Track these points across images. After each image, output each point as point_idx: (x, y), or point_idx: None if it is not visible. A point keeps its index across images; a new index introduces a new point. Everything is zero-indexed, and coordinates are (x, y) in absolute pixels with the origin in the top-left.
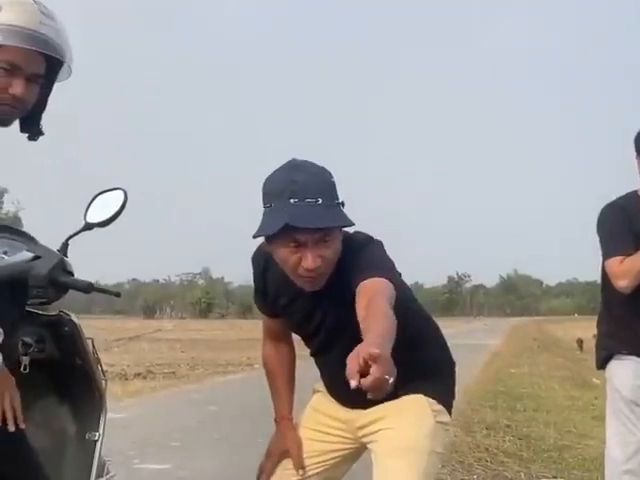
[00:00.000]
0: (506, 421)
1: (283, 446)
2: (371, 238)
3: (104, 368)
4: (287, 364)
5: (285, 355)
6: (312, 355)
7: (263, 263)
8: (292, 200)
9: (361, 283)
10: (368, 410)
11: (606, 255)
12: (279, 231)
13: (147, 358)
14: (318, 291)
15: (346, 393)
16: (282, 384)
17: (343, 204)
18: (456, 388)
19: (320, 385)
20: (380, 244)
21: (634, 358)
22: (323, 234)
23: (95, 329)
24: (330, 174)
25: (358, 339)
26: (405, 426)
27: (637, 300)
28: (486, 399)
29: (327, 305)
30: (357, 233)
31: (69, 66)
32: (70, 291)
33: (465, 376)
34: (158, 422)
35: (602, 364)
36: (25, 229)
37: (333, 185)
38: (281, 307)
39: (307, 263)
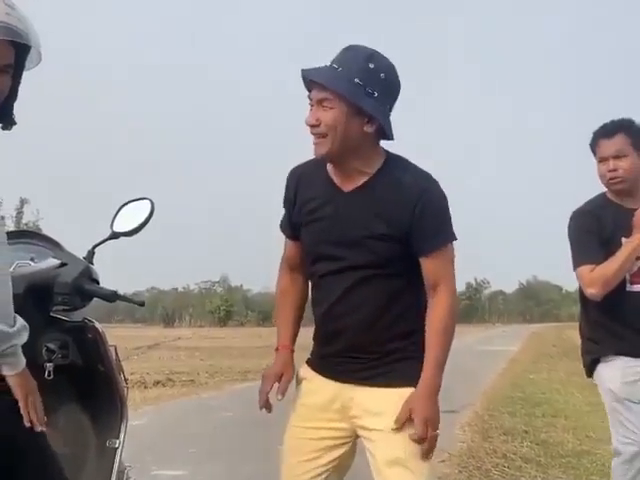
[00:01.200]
0: (524, 427)
1: (279, 371)
2: (428, 179)
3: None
4: (299, 295)
5: (299, 286)
6: (316, 281)
7: (298, 176)
8: (327, 64)
9: (430, 257)
10: (360, 392)
11: (576, 263)
12: (307, 88)
13: (166, 366)
14: (350, 195)
15: (339, 332)
16: (290, 313)
17: (369, 93)
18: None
19: (303, 369)
20: (440, 193)
21: (620, 357)
22: (322, 96)
23: (115, 338)
24: (371, 60)
25: (373, 266)
26: (402, 430)
27: (611, 303)
28: (504, 405)
29: (356, 211)
30: (411, 163)
31: (38, 52)
32: (93, 299)
33: (483, 382)
34: (175, 429)
35: (590, 369)
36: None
37: (366, 68)
38: (308, 213)
39: (307, 118)
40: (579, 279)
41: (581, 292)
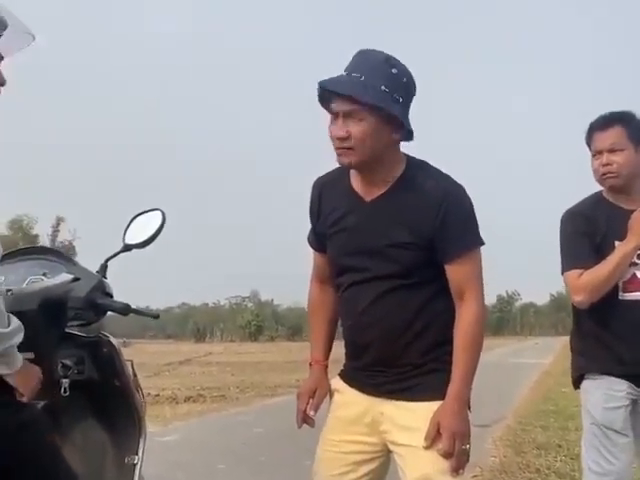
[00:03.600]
0: (558, 440)
1: (313, 387)
2: (450, 182)
3: (155, 392)
4: (330, 308)
5: (329, 299)
6: (343, 293)
7: (320, 187)
8: (343, 72)
9: (454, 263)
10: (390, 407)
11: (564, 268)
12: (323, 99)
13: (197, 382)
14: (372, 204)
15: (366, 345)
16: (321, 327)
17: (396, 99)
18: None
19: (335, 381)
20: (464, 196)
21: (605, 377)
22: (350, 108)
23: (146, 353)
24: (393, 65)
25: (398, 275)
26: (431, 446)
27: (602, 312)
28: (537, 418)
29: (378, 220)
30: (433, 167)
31: (29, 34)
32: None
33: (515, 395)
34: (205, 445)
35: (576, 385)
36: (79, 257)
37: (389, 74)
38: (332, 224)
39: (334, 130)
40: (566, 285)
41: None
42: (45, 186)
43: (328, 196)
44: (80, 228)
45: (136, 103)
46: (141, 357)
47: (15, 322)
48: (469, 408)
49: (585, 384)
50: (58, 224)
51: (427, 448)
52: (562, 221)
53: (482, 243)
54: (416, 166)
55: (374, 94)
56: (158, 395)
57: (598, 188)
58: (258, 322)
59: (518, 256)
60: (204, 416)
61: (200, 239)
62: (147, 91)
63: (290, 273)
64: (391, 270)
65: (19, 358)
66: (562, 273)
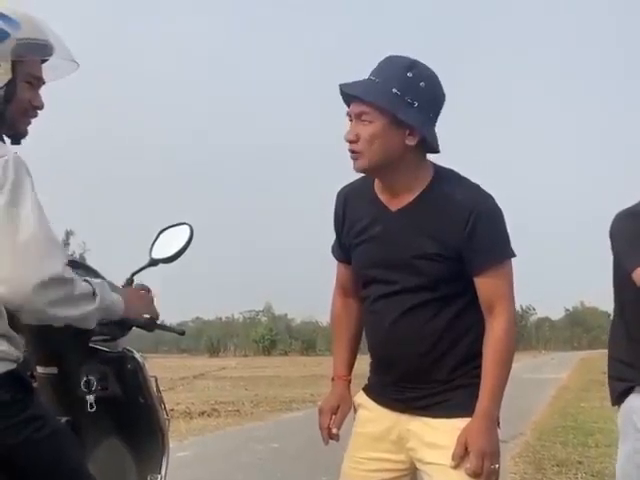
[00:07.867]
0: (578, 457)
1: (335, 403)
2: (480, 192)
3: (169, 406)
4: (354, 320)
5: (353, 311)
6: (368, 306)
7: (345, 196)
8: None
9: (483, 275)
10: (417, 423)
11: (633, 266)
12: (346, 103)
13: (212, 396)
14: (398, 214)
15: (394, 360)
16: (345, 340)
17: (409, 102)
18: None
19: (359, 396)
20: (494, 206)
21: None
22: (360, 110)
23: (161, 368)
24: (410, 69)
25: (426, 288)
26: (460, 464)
27: None
28: (556, 434)
29: (404, 231)
30: (462, 176)
31: (74, 62)
32: (137, 330)
33: (533, 410)
34: (220, 460)
35: (619, 398)
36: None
37: (404, 77)
38: (357, 235)
39: (346, 134)
40: (639, 283)
41: (621, 305)
42: (53, 195)
43: (353, 205)
44: (89, 241)
45: (144, 106)
46: (155, 372)
47: (95, 284)
48: (498, 425)
49: (632, 398)
50: (67, 237)
51: (455, 467)
52: (621, 220)
53: (513, 255)
54: (444, 175)
55: (382, 95)
56: (172, 410)
57: (615, 207)
58: (272, 336)
59: (532, 271)
60: (219, 431)
61: (213, 253)
62: (152, 94)
63: (304, 287)
64: (418, 282)
65: (118, 307)
66: (630, 271)
